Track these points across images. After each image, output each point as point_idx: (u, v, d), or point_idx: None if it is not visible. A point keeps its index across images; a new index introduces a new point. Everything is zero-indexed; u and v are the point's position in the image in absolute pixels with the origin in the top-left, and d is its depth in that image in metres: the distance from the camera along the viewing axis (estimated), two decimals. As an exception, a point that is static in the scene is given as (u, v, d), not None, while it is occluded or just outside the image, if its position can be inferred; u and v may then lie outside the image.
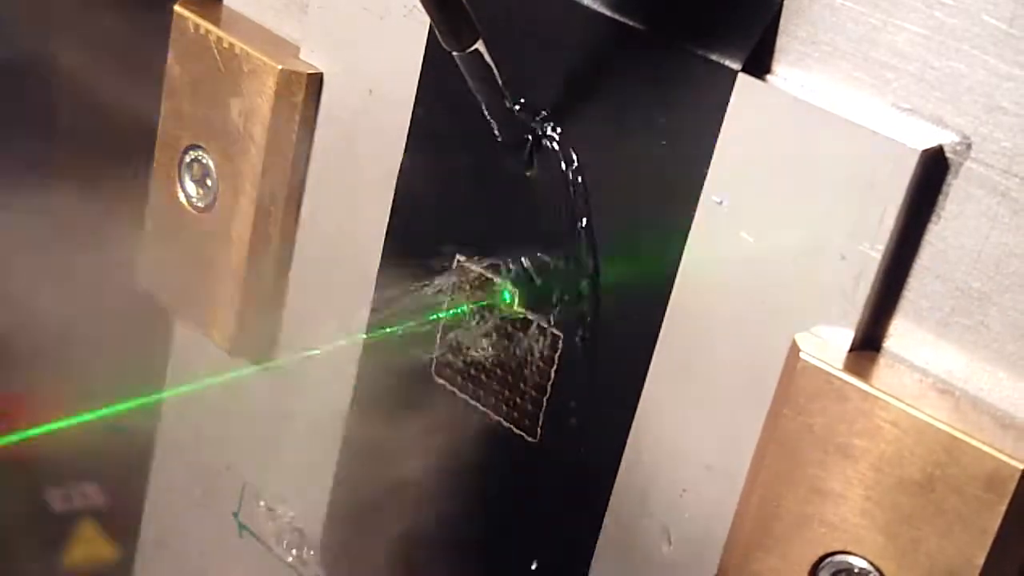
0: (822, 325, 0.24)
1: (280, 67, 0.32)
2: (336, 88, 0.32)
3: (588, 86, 0.27)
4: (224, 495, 0.39)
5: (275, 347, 0.35)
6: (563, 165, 0.28)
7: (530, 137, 0.28)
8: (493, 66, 0.26)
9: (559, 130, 0.27)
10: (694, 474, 0.27)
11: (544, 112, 0.28)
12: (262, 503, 0.37)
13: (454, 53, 0.26)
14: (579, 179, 0.27)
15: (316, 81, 0.32)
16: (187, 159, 0.35)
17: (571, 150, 0.27)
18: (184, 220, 0.35)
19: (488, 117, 0.28)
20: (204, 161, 0.35)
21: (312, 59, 0.33)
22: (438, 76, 0.30)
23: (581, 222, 0.28)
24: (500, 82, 0.27)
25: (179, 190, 0.35)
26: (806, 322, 0.24)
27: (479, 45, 0.26)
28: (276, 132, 0.33)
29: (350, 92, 0.32)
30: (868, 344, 0.24)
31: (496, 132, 0.28)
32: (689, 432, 0.27)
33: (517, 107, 0.28)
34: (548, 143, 0.28)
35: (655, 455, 0.27)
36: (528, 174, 0.28)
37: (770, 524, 0.24)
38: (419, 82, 0.30)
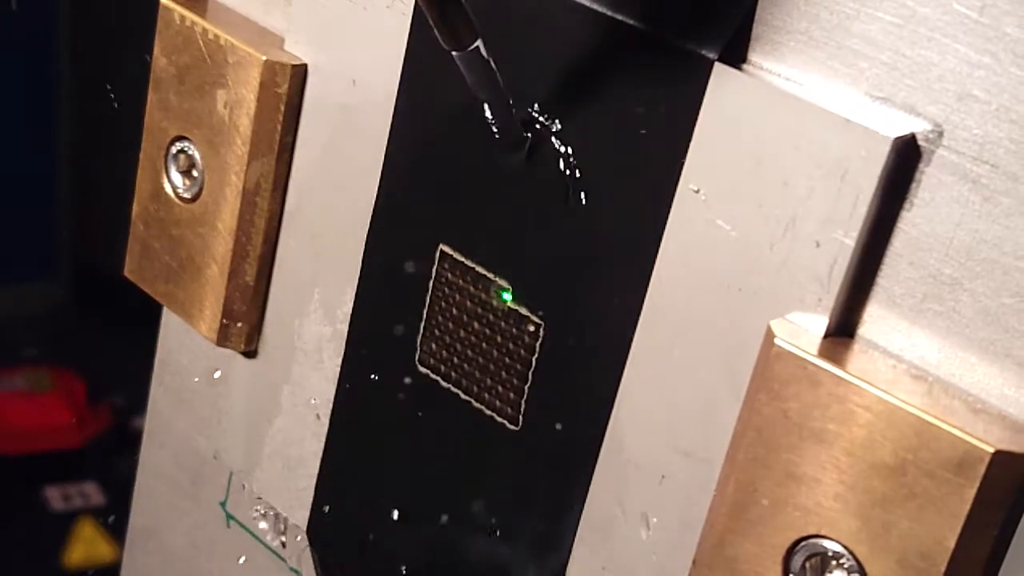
0: (797, 312, 0.25)
1: (264, 58, 0.32)
2: (320, 79, 0.33)
3: (569, 79, 0.27)
4: (211, 485, 0.39)
5: (261, 337, 0.36)
6: (560, 160, 0.28)
7: (530, 135, 0.28)
8: (493, 65, 0.26)
9: (557, 125, 0.28)
10: (673, 460, 0.27)
11: (539, 107, 0.28)
12: (249, 492, 0.37)
13: (453, 53, 0.26)
14: (569, 171, 0.28)
15: (300, 72, 0.33)
16: (173, 150, 0.35)
17: (560, 140, 0.28)
18: (171, 211, 0.36)
19: (489, 117, 0.28)
20: (190, 152, 0.35)
21: (297, 50, 0.33)
22: (421, 67, 0.30)
23: (567, 211, 0.28)
24: (500, 81, 0.27)
25: (165, 181, 0.36)
26: (782, 309, 0.25)
27: (479, 44, 0.26)
28: (261, 123, 0.33)
29: (334, 83, 0.32)
30: (843, 331, 0.24)
31: (495, 132, 0.28)
32: (668, 419, 0.27)
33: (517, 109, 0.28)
34: (548, 138, 0.28)
35: (635, 442, 0.28)
36: (515, 164, 0.29)
37: (746, 509, 0.25)
38: (402, 73, 0.31)
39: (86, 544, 1.34)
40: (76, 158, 1.76)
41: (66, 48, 1.72)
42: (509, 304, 0.29)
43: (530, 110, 0.28)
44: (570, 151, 0.28)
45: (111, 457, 1.42)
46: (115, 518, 1.32)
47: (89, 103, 1.73)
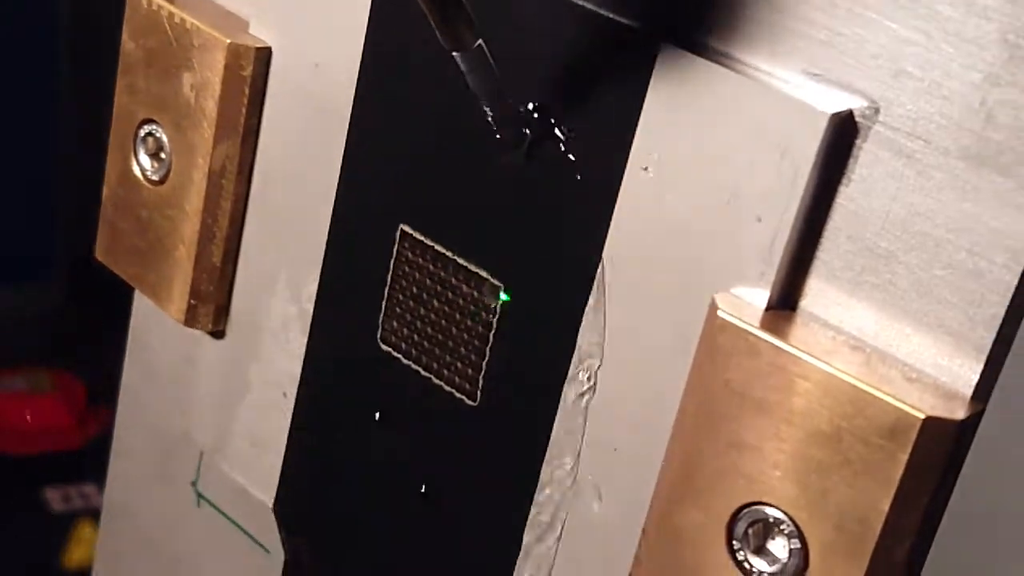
0: (741, 286, 0.25)
1: (229, 41, 0.33)
2: (284, 62, 0.33)
3: (533, 66, 0.28)
4: (182, 464, 0.40)
5: (228, 318, 0.36)
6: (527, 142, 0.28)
7: (528, 131, 0.28)
8: (493, 64, 0.26)
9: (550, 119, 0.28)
10: (624, 433, 0.28)
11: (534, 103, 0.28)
12: (219, 471, 0.38)
13: (453, 53, 0.26)
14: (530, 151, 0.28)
15: (265, 55, 0.33)
16: (142, 133, 0.36)
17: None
18: (139, 194, 0.36)
19: (489, 116, 0.28)
20: (158, 135, 0.35)
21: (261, 33, 0.33)
22: (382, 50, 0.31)
23: (523, 188, 0.29)
24: (498, 80, 0.27)
25: (134, 163, 0.36)
26: (726, 283, 0.25)
27: (480, 44, 0.26)
28: (226, 106, 0.33)
29: (297, 66, 0.33)
30: (784, 303, 0.25)
31: (496, 131, 0.28)
32: (619, 392, 0.28)
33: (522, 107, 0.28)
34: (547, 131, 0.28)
35: (588, 415, 0.28)
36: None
37: (691, 478, 0.25)
38: (362, 57, 0.31)
39: (86, 545, 1.34)
40: (76, 158, 1.76)
41: (66, 48, 1.72)
42: (457, 274, 0.30)
43: (525, 107, 0.28)
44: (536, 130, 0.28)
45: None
46: None
47: (89, 103, 1.73)
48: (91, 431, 1.41)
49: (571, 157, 0.28)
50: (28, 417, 1.40)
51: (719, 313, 0.24)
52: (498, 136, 0.28)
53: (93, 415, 1.44)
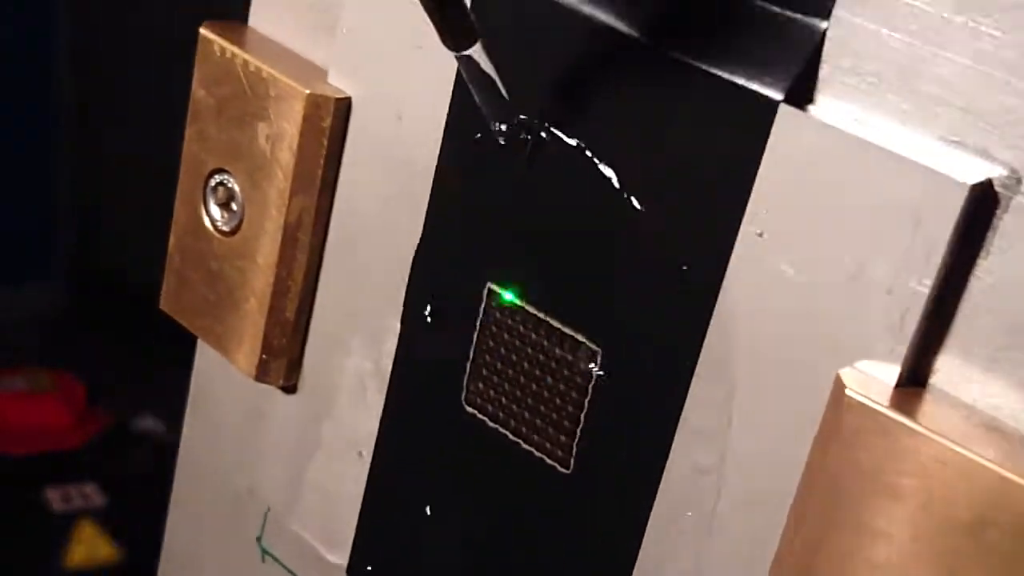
0: (867, 360, 0.24)
1: (308, 92, 0.32)
2: (364, 113, 0.32)
3: (629, 116, 0.27)
4: (246, 519, 0.38)
5: (300, 372, 0.35)
6: (612, 194, 0.27)
7: (530, 138, 0.28)
8: (492, 68, 0.27)
9: (601, 151, 0.27)
10: (734, 515, 0.26)
11: (576, 134, 0.27)
12: (286, 528, 0.37)
13: (454, 55, 0.26)
14: (628, 207, 0.27)
15: (344, 106, 0.32)
16: (212, 182, 0.35)
17: (612, 169, 0.27)
18: (209, 244, 0.35)
19: (489, 116, 0.28)
20: (229, 185, 0.34)
21: (340, 83, 0.32)
22: (469, 104, 0.30)
23: (625, 247, 0.27)
24: (500, 84, 0.27)
25: (203, 213, 0.35)
26: (850, 357, 0.24)
27: (478, 46, 0.26)
28: (304, 157, 0.32)
29: (379, 118, 0.32)
30: (914, 380, 0.24)
31: (497, 135, 0.28)
32: (728, 465, 0.26)
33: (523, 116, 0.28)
34: (582, 156, 0.27)
35: (691, 487, 0.27)
36: (563, 197, 0.28)
37: (813, 563, 0.24)
38: (449, 110, 0.30)
39: (87, 545, 1.34)
40: (76, 159, 1.76)
41: (66, 48, 1.72)
42: (549, 334, 0.29)
43: (581, 144, 0.28)
44: (624, 185, 0.27)
45: (111, 458, 1.42)
46: (115, 518, 1.31)
47: (90, 103, 1.73)
48: (91, 431, 1.41)
49: (679, 215, 0.26)
50: (28, 417, 1.40)
51: (847, 392, 0.23)
52: (502, 143, 0.28)
53: (93, 415, 1.43)
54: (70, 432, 1.42)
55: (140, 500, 1.31)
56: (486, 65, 0.27)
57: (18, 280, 1.74)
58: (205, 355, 0.38)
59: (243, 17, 0.36)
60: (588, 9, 0.27)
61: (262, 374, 0.35)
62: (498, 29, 0.27)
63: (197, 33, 0.34)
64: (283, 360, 0.35)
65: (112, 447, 1.43)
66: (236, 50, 0.33)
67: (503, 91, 0.27)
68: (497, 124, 0.28)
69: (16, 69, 1.69)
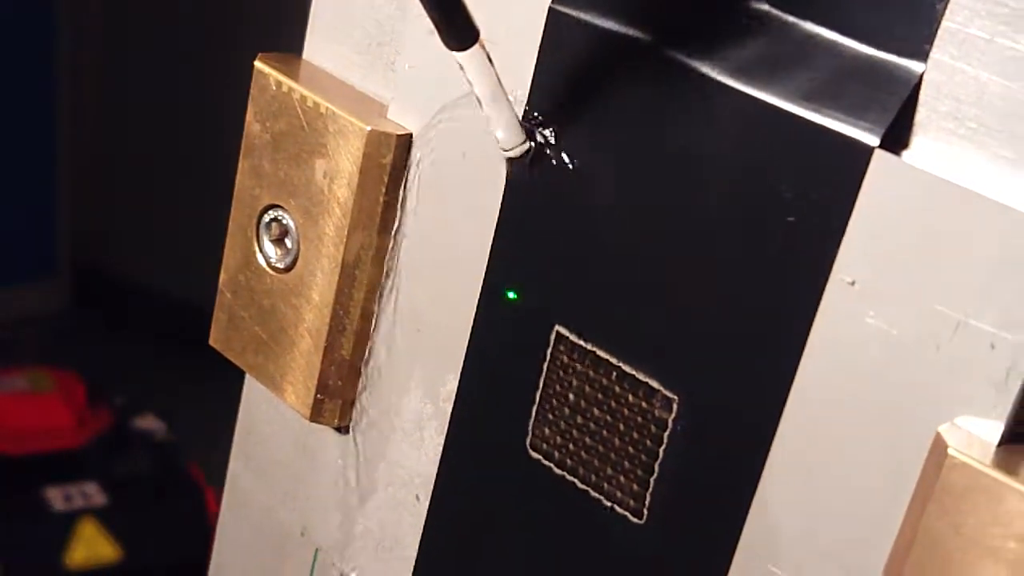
0: (966, 416, 0.23)
1: (369, 128, 0.31)
2: (427, 149, 0.31)
3: (717, 161, 0.26)
4: (296, 561, 0.38)
5: (355, 413, 0.34)
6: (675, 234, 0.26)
7: (532, 144, 0.28)
8: (493, 67, 0.26)
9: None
10: (819, 571, 0.25)
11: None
12: (338, 571, 0.36)
13: (454, 54, 0.26)
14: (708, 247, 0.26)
15: (405, 142, 0.31)
16: (266, 218, 0.34)
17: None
18: (262, 281, 0.34)
19: (488, 116, 0.28)
20: (284, 221, 0.33)
21: (401, 119, 0.31)
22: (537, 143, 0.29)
23: (702, 292, 0.26)
24: (501, 84, 0.27)
25: (256, 249, 0.34)
26: (946, 412, 0.23)
27: (479, 45, 0.26)
28: (363, 194, 0.32)
29: (442, 154, 0.31)
30: (1017, 438, 0.23)
31: (497, 138, 0.28)
32: (813, 524, 0.25)
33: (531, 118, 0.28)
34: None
35: (774, 546, 0.26)
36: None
37: (911, 627, 0.23)
38: (517, 146, 0.29)
39: (87, 544, 1.33)
40: (76, 159, 1.76)
41: (66, 49, 1.72)
42: (619, 380, 0.28)
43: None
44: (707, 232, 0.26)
45: (112, 457, 1.41)
46: (116, 518, 1.31)
47: (90, 104, 1.73)
48: (91, 431, 1.41)
49: (765, 258, 0.25)
50: (28, 417, 1.40)
51: (950, 451, 0.22)
52: (500, 145, 0.28)
53: (93, 415, 1.43)
54: (70, 432, 1.41)
55: (141, 500, 1.31)
56: (487, 64, 0.26)
57: (18, 280, 1.74)
58: (253, 390, 0.38)
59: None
60: (670, 52, 0.26)
61: (317, 414, 0.34)
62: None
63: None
64: (338, 400, 0.34)
65: (112, 447, 1.42)
66: (293, 84, 0.32)
67: (503, 90, 0.27)
68: (495, 124, 0.28)
69: (16, 69, 1.69)
